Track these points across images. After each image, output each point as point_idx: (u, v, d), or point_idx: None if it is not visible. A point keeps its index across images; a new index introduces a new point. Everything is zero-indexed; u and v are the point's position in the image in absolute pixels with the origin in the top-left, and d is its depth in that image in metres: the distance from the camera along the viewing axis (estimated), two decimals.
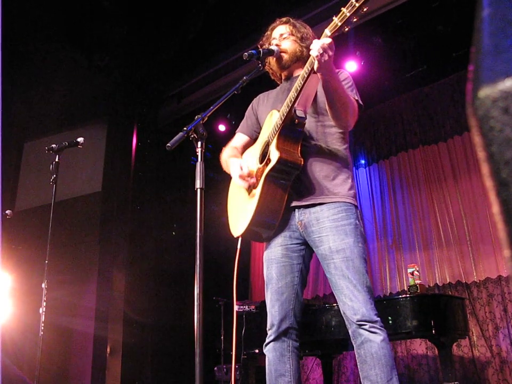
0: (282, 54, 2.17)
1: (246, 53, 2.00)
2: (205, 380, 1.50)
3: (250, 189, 2.10)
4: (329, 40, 1.76)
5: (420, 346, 5.12)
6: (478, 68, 0.40)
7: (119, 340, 5.18)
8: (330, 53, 1.75)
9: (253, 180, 2.05)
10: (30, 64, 5.54)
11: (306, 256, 2.10)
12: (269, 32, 2.28)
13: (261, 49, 2.09)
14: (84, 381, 5.15)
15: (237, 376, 4.72)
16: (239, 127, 2.39)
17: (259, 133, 2.27)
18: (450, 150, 5.49)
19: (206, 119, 1.74)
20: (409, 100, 5.89)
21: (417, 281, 3.88)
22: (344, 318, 1.93)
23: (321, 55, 1.75)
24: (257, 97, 2.40)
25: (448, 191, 5.40)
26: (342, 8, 1.67)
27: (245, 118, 2.39)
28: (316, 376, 5.66)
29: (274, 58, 2.18)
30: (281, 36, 2.20)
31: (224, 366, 4.84)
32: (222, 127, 6.25)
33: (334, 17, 1.72)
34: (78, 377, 5.27)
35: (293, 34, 2.19)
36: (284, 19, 2.26)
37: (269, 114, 2.15)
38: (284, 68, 2.22)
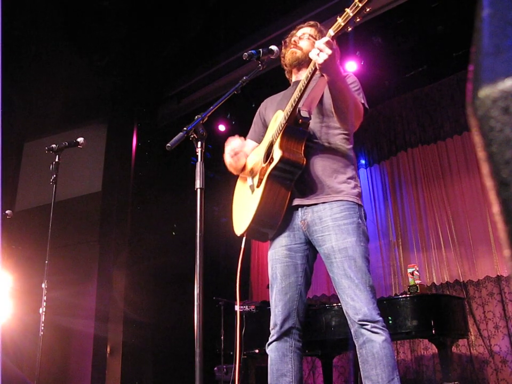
0: (296, 50, 2.22)
1: (245, 53, 2.00)
2: (205, 380, 1.50)
3: (253, 187, 2.11)
4: (326, 39, 1.77)
5: (419, 347, 5.12)
6: (478, 67, 0.40)
7: (119, 340, 5.18)
8: (329, 52, 1.76)
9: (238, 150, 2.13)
10: (30, 64, 5.54)
11: (311, 256, 2.10)
12: (294, 31, 2.32)
13: (260, 49, 2.10)
14: (84, 381, 5.15)
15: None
16: (248, 133, 2.42)
17: None
18: (449, 149, 5.49)
19: (206, 119, 1.74)
20: (409, 99, 5.89)
21: (417, 281, 3.88)
22: (347, 318, 1.93)
23: (319, 55, 1.77)
24: (264, 101, 2.43)
25: (447, 191, 5.40)
26: (346, 9, 1.70)
27: (252, 124, 2.41)
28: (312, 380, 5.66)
29: (289, 51, 2.22)
30: (303, 35, 2.25)
31: (224, 366, 4.84)
32: (222, 127, 6.25)
33: (338, 18, 1.74)
34: (78, 377, 5.27)
35: (315, 38, 2.22)
36: (312, 22, 2.32)
37: (274, 115, 2.18)
38: (294, 64, 2.24)
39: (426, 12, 4.66)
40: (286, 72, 2.38)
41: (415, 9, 4.62)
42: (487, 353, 4.71)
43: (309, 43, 2.22)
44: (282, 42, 2.31)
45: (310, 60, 2.19)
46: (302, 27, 2.30)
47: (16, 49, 5.08)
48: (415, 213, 5.59)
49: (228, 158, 2.17)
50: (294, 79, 2.32)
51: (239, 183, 2.30)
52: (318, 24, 2.31)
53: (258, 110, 2.41)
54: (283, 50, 2.28)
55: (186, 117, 5.83)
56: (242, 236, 2.12)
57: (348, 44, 4.52)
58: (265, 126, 2.32)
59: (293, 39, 2.25)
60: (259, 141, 2.33)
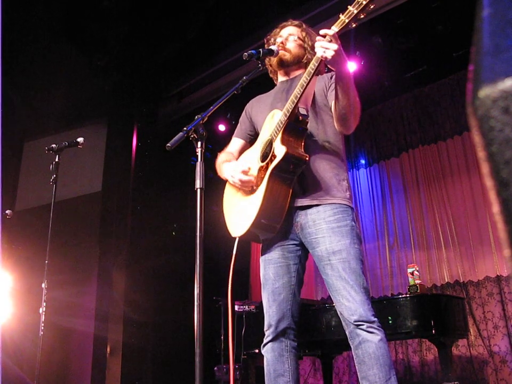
0: (285, 52, 2.17)
1: (246, 53, 2.00)
2: (205, 380, 1.50)
3: (250, 188, 2.09)
4: (331, 32, 1.77)
5: (419, 347, 5.12)
6: (478, 67, 0.40)
7: (119, 340, 5.18)
8: (335, 47, 1.76)
9: (252, 179, 2.05)
10: (30, 64, 5.53)
11: (303, 257, 2.10)
12: (277, 29, 2.28)
13: (260, 49, 2.09)
14: (84, 381, 5.15)
15: (237, 376, 4.72)
16: (235, 132, 2.41)
17: (253, 136, 2.28)
18: (449, 150, 5.49)
19: (206, 119, 1.74)
20: (409, 99, 5.89)
21: (417, 281, 3.88)
22: (341, 319, 1.92)
23: (325, 51, 1.77)
24: (250, 101, 2.41)
25: (447, 191, 5.40)
26: (349, 6, 1.70)
27: (239, 123, 2.40)
28: (312, 380, 5.66)
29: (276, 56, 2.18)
30: (290, 35, 2.21)
31: (224, 366, 4.84)
32: (222, 127, 6.26)
33: (340, 15, 1.74)
34: (78, 377, 5.28)
35: (303, 40, 2.20)
36: (297, 22, 2.28)
37: (270, 114, 2.15)
38: (282, 66, 2.22)
39: (426, 11, 4.66)
40: (269, 71, 2.35)
41: (415, 9, 4.62)
42: (487, 353, 4.71)
43: (296, 45, 2.20)
44: (265, 40, 2.26)
45: (298, 61, 2.19)
46: (286, 26, 2.26)
47: (16, 49, 5.07)
48: (416, 213, 5.59)
49: (227, 177, 2.13)
50: (281, 79, 2.30)
51: (230, 186, 2.26)
52: (303, 24, 2.27)
53: (244, 109, 2.39)
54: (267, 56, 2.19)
55: (186, 117, 5.83)
56: (240, 237, 2.09)
57: (348, 44, 4.52)
58: (252, 125, 2.32)
59: (278, 39, 2.21)
60: (246, 139, 2.33)
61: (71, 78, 5.58)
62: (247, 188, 2.08)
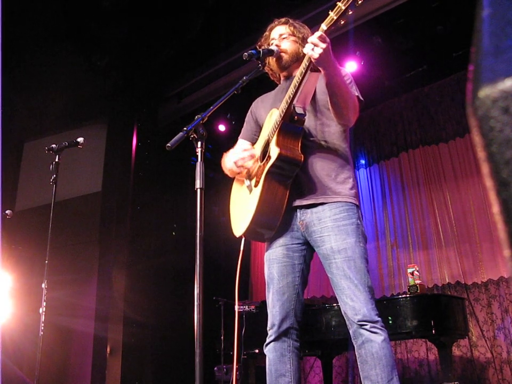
0: (282, 54, 2.17)
1: (246, 53, 2.00)
2: (205, 380, 1.50)
3: (251, 187, 2.10)
4: (319, 33, 1.77)
5: (420, 347, 5.12)
6: (478, 67, 0.40)
7: (119, 340, 5.18)
8: (324, 46, 1.76)
9: (254, 152, 2.05)
10: (30, 64, 5.54)
11: (308, 256, 2.10)
12: (267, 33, 2.27)
13: (260, 50, 2.09)
14: (84, 381, 5.15)
15: (237, 376, 4.71)
16: (241, 133, 2.40)
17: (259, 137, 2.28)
18: (451, 150, 5.49)
19: (206, 119, 1.74)
20: (409, 100, 5.88)
21: (417, 281, 3.88)
22: (345, 318, 1.92)
23: (313, 49, 1.77)
24: (255, 100, 2.41)
25: (448, 192, 5.40)
26: (337, 2, 1.71)
27: (245, 123, 2.39)
28: (312, 380, 5.66)
29: (274, 59, 2.18)
30: (281, 36, 2.21)
31: (224, 366, 4.84)
32: (222, 127, 6.26)
33: (329, 12, 1.75)
34: (78, 377, 5.28)
35: (293, 35, 2.19)
36: (283, 19, 2.26)
37: (269, 113, 2.16)
38: (283, 68, 2.22)
39: (426, 11, 4.66)
40: (270, 75, 2.34)
41: (415, 9, 4.62)
42: (489, 354, 4.71)
43: (289, 42, 2.18)
44: (257, 47, 2.24)
45: (297, 60, 2.18)
46: (274, 27, 2.25)
47: (16, 49, 5.07)
48: (416, 213, 5.58)
49: (231, 165, 2.10)
50: (283, 77, 2.30)
51: (236, 185, 2.29)
52: (290, 20, 2.26)
53: (250, 109, 2.39)
54: (267, 57, 2.19)
55: (186, 117, 5.83)
56: (241, 237, 2.11)
57: (348, 44, 4.52)
58: (258, 125, 2.31)
59: (272, 42, 2.20)
60: (252, 139, 2.32)
61: (71, 78, 5.57)
62: (251, 168, 2.09)
